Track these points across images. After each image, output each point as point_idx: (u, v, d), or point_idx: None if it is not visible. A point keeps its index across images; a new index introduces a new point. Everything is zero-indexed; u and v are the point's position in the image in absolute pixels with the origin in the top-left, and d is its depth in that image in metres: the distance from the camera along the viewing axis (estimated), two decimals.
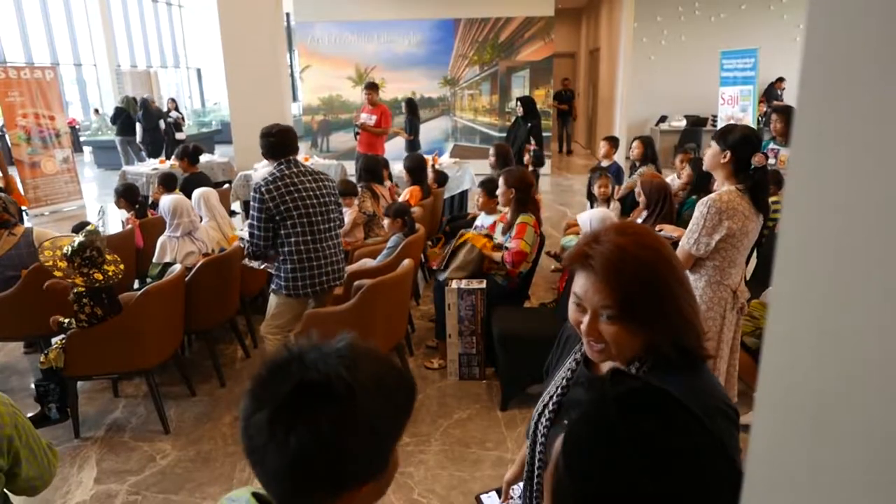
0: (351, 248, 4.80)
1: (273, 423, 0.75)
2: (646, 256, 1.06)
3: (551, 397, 1.21)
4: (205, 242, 4.26)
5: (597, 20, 13.20)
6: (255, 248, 3.19)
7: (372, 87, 7.51)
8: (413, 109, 8.55)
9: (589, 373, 1.19)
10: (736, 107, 7.44)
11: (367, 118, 7.46)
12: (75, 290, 3.14)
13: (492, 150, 5.65)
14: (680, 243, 2.70)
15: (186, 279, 3.65)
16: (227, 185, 7.07)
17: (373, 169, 5.55)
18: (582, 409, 0.69)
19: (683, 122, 11.65)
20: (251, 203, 3.13)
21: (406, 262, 3.63)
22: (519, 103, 7.73)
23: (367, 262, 4.23)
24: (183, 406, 3.66)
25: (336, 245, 3.38)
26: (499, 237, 4.13)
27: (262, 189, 3.08)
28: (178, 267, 3.70)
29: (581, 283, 1.10)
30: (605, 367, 1.18)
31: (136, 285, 4.45)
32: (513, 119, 8.34)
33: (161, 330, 3.43)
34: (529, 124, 7.54)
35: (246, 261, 3.63)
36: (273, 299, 3.37)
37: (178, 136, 11.03)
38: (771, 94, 11.37)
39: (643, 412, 0.66)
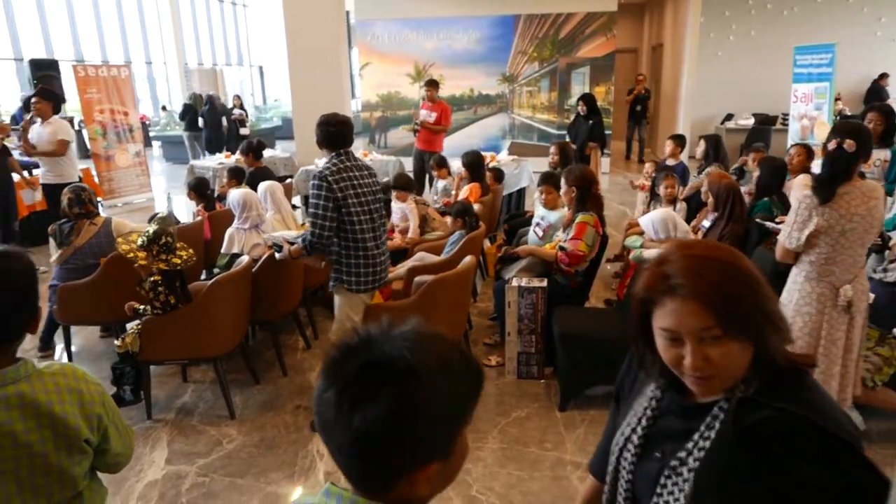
0: (410, 244, 4.83)
1: (340, 401, 0.78)
2: (723, 256, 0.98)
3: (633, 430, 1.09)
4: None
5: (661, 15, 12.86)
6: (318, 240, 3.05)
7: (432, 85, 7.51)
8: None
9: (682, 398, 1.05)
10: (810, 104, 7.11)
11: (427, 115, 7.48)
12: (151, 279, 3.27)
13: (553, 149, 5.58)
14: (779, 235, 2.77)
15: (253, 270, 3.75)
16: (288, 180, 7.22)
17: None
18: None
19: (751, 121, 11.20)
20: (313, 192, 3.01)
21: (468, 258, 3.63)
22: (581, 101, 7.63)
23: (427, 257, 4.24)
24: (247, 393, 3.77)
25: (384, 242, 3.34)
26: (559, 234, 4.09)
27: (329, 178, 3.00)
28: (245, 258, 3.80)
29: (668, 314, 0.96)
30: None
31: (203, 276, 4.60)
32: (572, 117, 8.22)
33: (229, 319, 3.53)
34: (591, 121, 7.44)
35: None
36: (338, 300, 3.26)
37: (243, 131, 11.38)
38: (879, 92, 10.81)
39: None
